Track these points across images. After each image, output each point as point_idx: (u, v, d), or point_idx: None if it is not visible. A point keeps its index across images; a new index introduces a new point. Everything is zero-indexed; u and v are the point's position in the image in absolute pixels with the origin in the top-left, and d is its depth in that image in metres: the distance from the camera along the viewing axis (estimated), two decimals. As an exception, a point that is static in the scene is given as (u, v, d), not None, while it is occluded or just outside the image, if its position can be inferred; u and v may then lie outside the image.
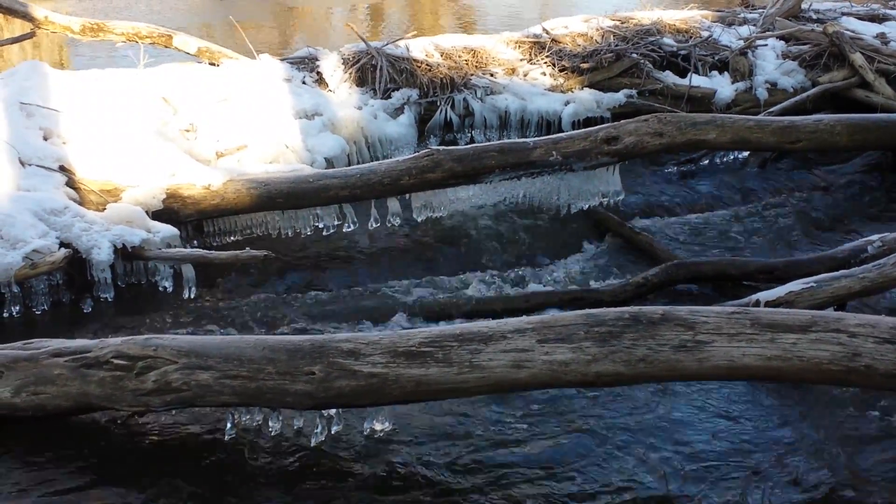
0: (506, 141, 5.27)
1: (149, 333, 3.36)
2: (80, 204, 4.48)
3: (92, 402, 3.15)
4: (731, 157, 6.25)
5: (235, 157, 5.18)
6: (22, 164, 4.54)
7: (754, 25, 7.27)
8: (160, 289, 4.46)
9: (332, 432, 3.21)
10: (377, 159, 5.53)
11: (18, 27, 7.25)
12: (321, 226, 4.91)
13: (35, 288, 4.25)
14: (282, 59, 6.16)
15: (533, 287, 4.55)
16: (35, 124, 4.82)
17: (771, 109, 6.22)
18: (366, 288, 4.56)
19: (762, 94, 6.53)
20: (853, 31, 6.94)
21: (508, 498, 3.02)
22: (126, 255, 4.30)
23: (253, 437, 3.26)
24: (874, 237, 4.50)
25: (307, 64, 6.12)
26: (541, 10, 12.67)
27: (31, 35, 6.36)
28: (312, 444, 3.21)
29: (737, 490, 3.06)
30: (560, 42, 6.63)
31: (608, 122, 5.81)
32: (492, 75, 6.25)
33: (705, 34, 6.97)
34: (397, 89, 6.01)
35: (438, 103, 6.02)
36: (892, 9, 7.99)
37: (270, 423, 3.21)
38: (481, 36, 6.91)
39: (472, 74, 6.18)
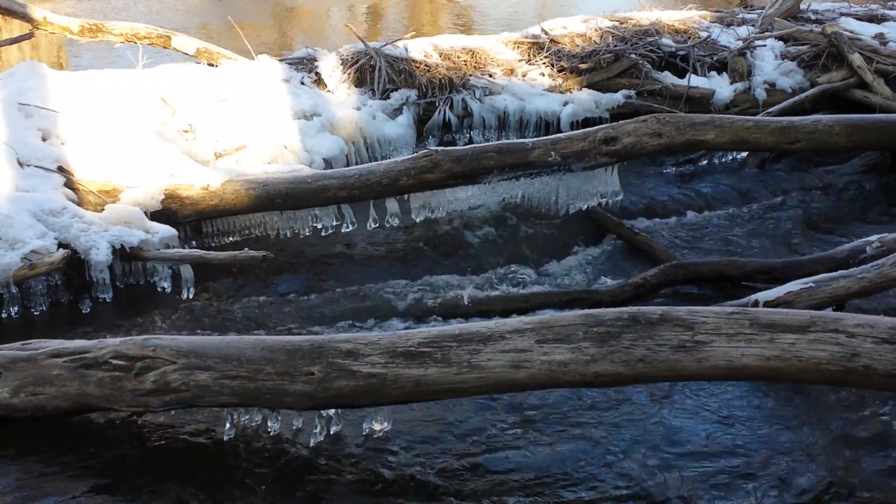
0: (504, 141, 5.27)
1: (147, 334, 3.36)
2: (79, 204, 4.48)
3: (91, 402, 3.15)
4: (730, 158, 6.24)
5: (234, 158, 5.18)
6: (20, 164, 4.54)
7: (753, 26, 7.27)
8: (159, 289, 4.46)
9: (331, 432, 3.21)
10: (376, 160, 5.52)
11: (17, 28, 7.23)
12: (320, 226, 4.91)
13: (33, 288, 4.25)
14: (280, 60, 6.16)
15: (532, 288, 4.55)
16: (33, 125, 4.82)
17: (769, 110, 6.22)
18: (364, 288, 4.56)
19: (761, 94, 6.53)
20: (852, 32, 6.94)
21: None
22: (124, 255, 4.30)
23: (252, 438, 3.26)
24: (873, 238, 4.50)
25: (306, 64, 6.12)
26: (539, 10, 12.68)
27: (29, 36, 6.35)
28: (311, 444, 3.21)
29: (736, 491, 3.07)
30: (559, 42, 6.63)
31: (607, 122, 5.82)
32: (490, 76, 6.25)
33: (704, 35, 6.97)
34: (396, 90, 6.00)
35: (437, 104, 6.02)
36: (890, 9, 7.99)
37: (269, 424, 3.21)
38: (480, 36, 6.91)
39: (470, 75, 6.18)
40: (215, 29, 11.06)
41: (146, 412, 3.28)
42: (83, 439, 3.26)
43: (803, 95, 6.44)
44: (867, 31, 7.11)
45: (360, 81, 6.02)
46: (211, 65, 6.06)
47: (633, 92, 6.36)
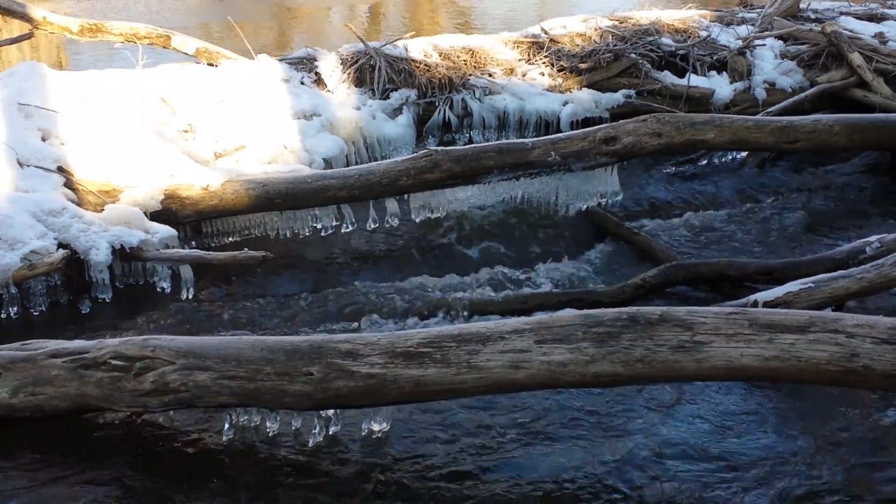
0: (504, 141, 5.28)
1: (147, 334, 3.37)
2: (79, 205, 4.48)
3: (90, 402, 3.15)
4: (730, 158, 6.24)
5: (234, 158, 5.18)
6: (20, 164, 4.54)
7: (752, 25, 7.27)
8: (158, 289, 4.46)
9: (331, 433, 3.22)
10: (376, 160, 5.52)
11: (17, 28, 7.24)
12: (319, 226, 4.91)
13: (33, 289, 4.25)
14: (280, 60, 6.16)
15: (531, 288, 4.55)
16: (33, 125, 4.82)
17: (769, 109, 6.22)
18: (364, 288, 4.56)
19: (760, 93, 6.53)
20: (851, 31, 6.94)
21: None
22: (124, 255, 4.31)
23: (251, 438, 3.26)
24: (872, 238, 4.49)
25: (305, 64, 6.12)
26: (539, 10, 12.67)
27: (29, 36, 6.36)
28: (310, 444, 3.21)
29: (734, 493, 3.07)
30: (558, 42, 6.63)
31: (606, 122, 5.82)
32: (490, 75, 6.25)
33: (703, 34, 6.96)
34: (396, 90, 6.00)
35: (437, 104, 6.02)
36: (889, 8, 7.99)
37: (268, 424, 3.22)
38: (479, 36, 6.91)
39: (470, 75, 6.18)
40: (215, 29, 11.05)
41: (145, 412, 3.28)
42: (82, 439, 3.26)
43: (803, 95, 6.44)
44: (867, 30, 7.11)
45: (359, 81, 6.02)
46: (211, 65, 6.06)
47: (632, 91, 6.36)
